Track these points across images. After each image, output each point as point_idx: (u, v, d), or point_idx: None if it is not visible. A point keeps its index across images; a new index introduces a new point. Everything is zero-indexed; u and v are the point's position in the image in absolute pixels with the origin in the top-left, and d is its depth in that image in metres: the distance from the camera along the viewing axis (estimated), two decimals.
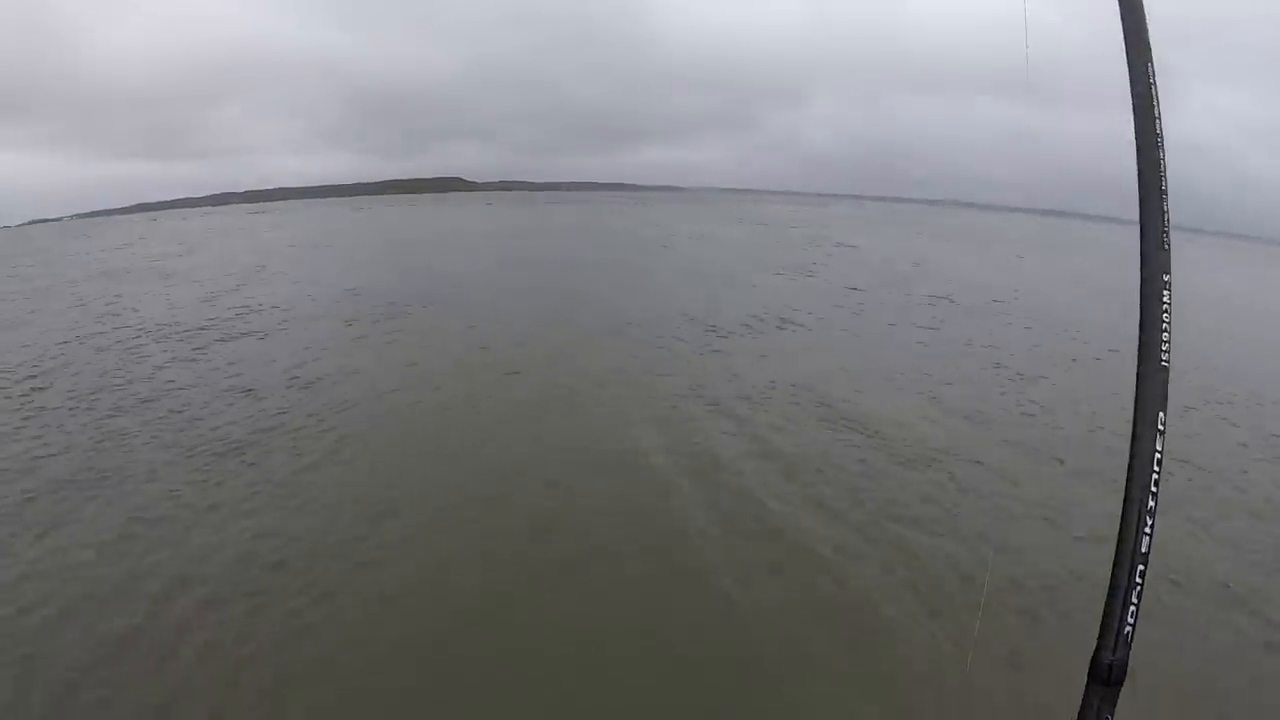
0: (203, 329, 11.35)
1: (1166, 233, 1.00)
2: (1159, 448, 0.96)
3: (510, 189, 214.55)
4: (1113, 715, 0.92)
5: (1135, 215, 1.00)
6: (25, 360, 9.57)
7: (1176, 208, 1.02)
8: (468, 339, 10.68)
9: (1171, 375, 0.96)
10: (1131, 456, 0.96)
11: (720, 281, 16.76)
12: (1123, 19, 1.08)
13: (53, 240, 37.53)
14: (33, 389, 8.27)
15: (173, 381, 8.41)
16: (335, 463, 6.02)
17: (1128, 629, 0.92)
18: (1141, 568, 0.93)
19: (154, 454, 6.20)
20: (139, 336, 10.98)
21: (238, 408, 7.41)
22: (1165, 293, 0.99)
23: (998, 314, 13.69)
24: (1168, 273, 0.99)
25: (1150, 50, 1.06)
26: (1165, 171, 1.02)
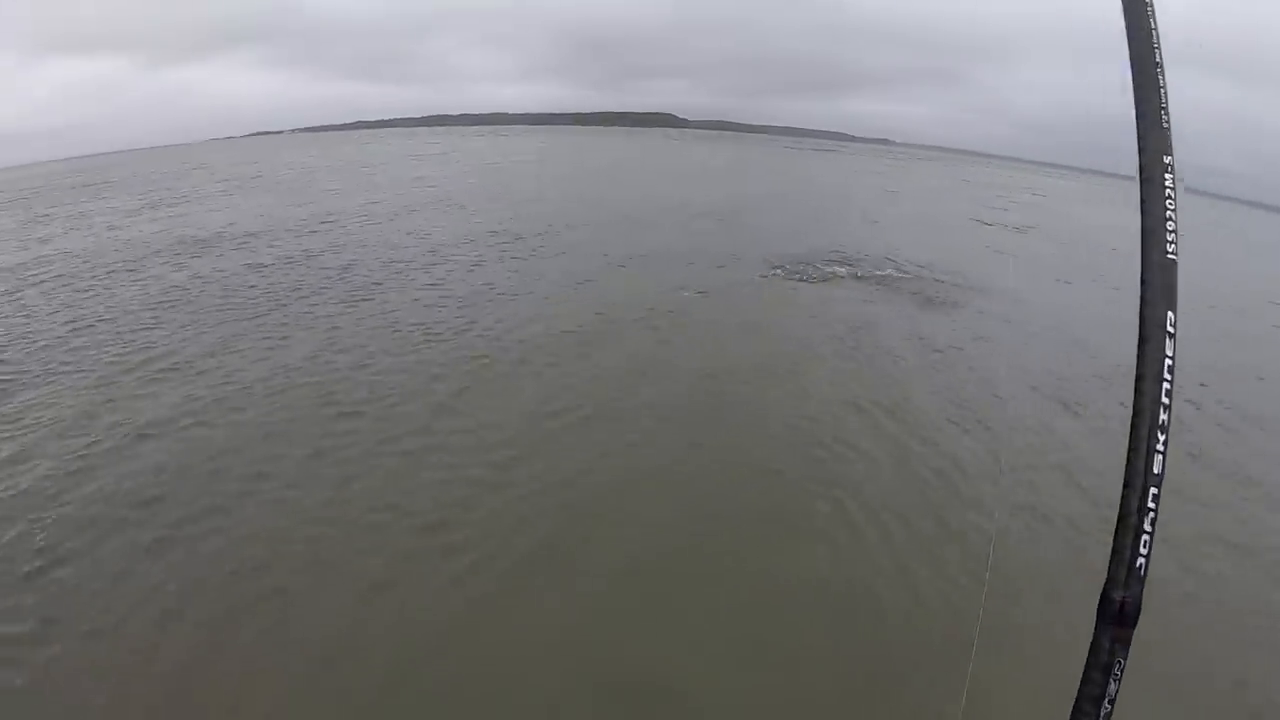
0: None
1: (1164, 108, 0.86)
2: (1169, 353, 0.82)
3: (722, 128, 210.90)
4: (1126, 659, 0.81)
5: None
6: None
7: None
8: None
9: None
10: (1139, 363, 0.82)
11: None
12: None
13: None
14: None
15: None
16: None
17: (1140, 561, 0.80)
18: (1155, 491, 0.80)
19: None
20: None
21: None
22: (1168, 175, 0.85)
23: None
24: (1169, 153, 0.85)
25: None
26: (1159, 37, 0.88)
